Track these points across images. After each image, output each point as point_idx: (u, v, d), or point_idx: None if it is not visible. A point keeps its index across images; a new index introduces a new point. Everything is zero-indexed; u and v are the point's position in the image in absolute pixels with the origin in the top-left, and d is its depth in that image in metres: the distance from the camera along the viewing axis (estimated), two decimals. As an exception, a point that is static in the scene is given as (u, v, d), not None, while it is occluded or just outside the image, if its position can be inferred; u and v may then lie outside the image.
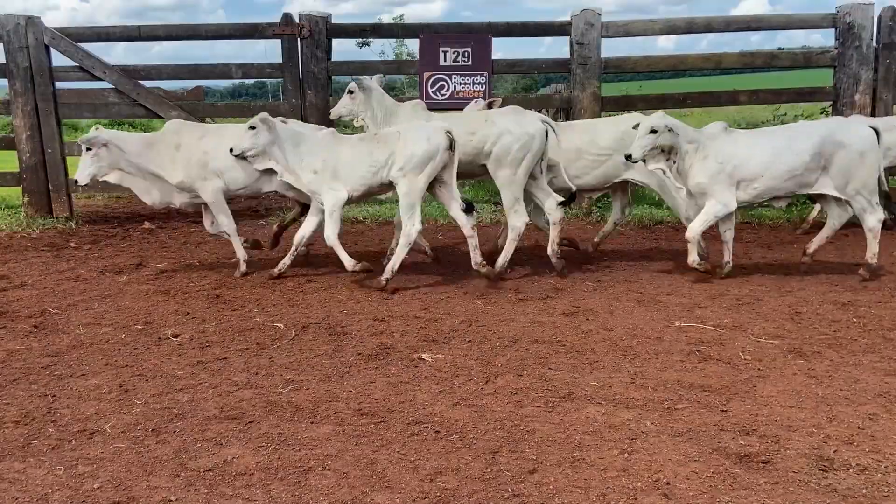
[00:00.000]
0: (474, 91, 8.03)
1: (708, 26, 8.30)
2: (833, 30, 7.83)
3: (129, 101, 8.25)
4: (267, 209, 8.70)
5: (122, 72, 8.22)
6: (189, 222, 8.05)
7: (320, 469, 2.89)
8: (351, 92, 6.00)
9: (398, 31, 9.79)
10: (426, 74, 8.07)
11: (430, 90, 8.07)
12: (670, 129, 5.12)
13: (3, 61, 8.10)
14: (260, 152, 5.42)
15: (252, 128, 5.39)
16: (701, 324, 4.49)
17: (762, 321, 4.53)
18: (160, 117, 8.42)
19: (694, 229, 5.25)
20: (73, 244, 7.15)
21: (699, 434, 3.11)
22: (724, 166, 5.14)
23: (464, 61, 8.02)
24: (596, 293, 5.21)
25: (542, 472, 2.84)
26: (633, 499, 2.66)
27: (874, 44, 7.68)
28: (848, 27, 7.66)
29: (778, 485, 2.72)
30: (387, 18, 14.71)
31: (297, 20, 8.06)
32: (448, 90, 8.05)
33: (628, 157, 5.20)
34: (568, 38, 8.00)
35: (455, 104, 8.26)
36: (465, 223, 5.44)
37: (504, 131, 5.53)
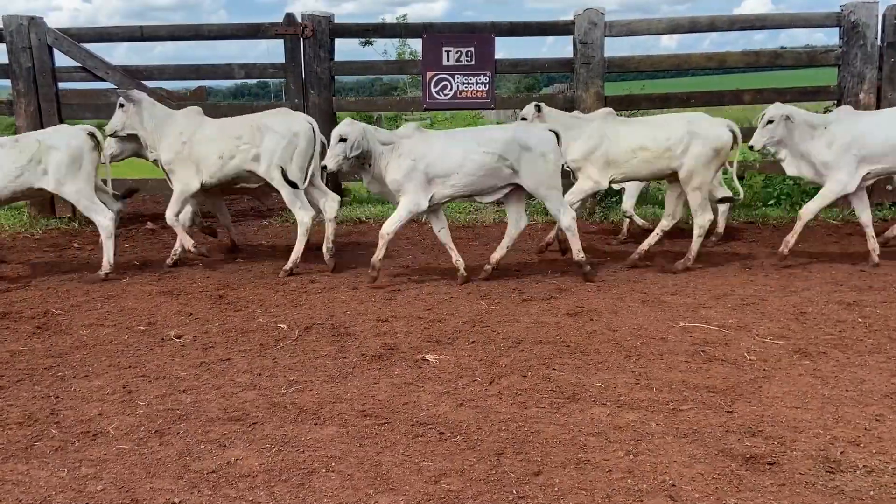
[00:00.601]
0: (478, 91, 8.03)
1: (711, 25, 8.29)
2: (837, 28, 7.81)
3: (131, 102, 8.24)
4: (269, 209, 8.69)
5: (125, 72, 8.22)
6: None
7: (324, 471, 2.88)
8: (121, 105, 5.95)
9: (401, 30, 9.79)
10: (429, 74, 8.06)
11: (433, 90, 8.06)
12: (360, 137, 5.17)
13: (6, 62, 8.11)
14: None
15: None
16: (706, 324, 4.48)
17: (767, 321, 4.51)
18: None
19: (386, 227, 5.35)
20: (75, 245, 7.15)
21: (705, 435, 3.09)
22: (418, 163, 5.24)
23: (467, 61, 8.01)
24: (600, 293, 5.20)
25: (546, 474, 2.82)
26: (638, 500, 2.64)
27: (879, 42, 7.65)
28: (852, 26, 7.64)
29: (784, 486, 2.71)
30: (389, 18, 14.71)
31: (299, 20, 8.05)
32: (451, 90, 8.04)
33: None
34: (571, 37, 7.98)
35: (458, 104, 8.27)
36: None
37: (268, 130, 5.79)
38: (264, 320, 4.72)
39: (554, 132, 5.43)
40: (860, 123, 5.59)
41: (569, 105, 8.24)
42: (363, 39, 11.76)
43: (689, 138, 5.61)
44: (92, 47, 8.26)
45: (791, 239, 5.72)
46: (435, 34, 8.13)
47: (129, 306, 5.10)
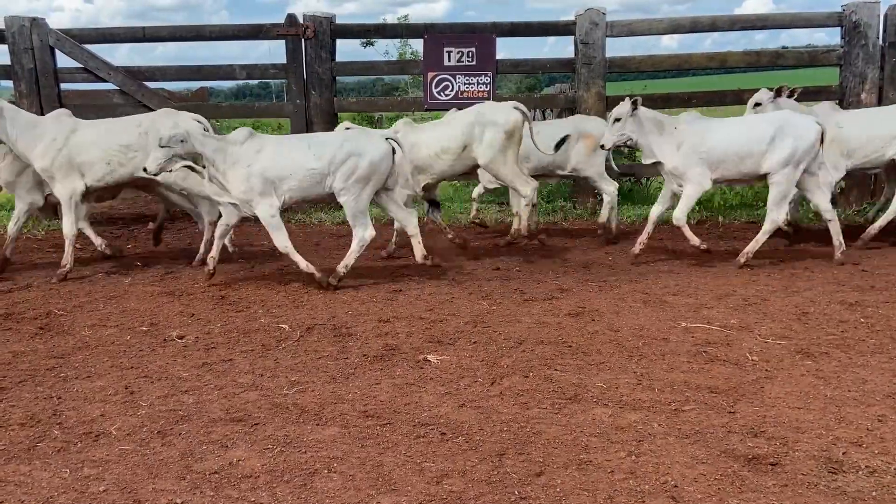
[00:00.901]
0: (479, 91, 8.03)
1: (713, 25, 8.29)
2: (839, 28, 7.81)
3: (133, 103, 8.27)
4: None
5: (127, 73, 8.24)
6: (193, 223, 8.05)
7: (326, 471, 2.88)
8: None
9: (402, 31, 9.79)
10: (430, 75, 8.06)
11: (434, 90, 8.06)
12: (182, 140, 5.15)
13: (9, 63, 8.13)
14: None
15: None
16: (707, 324, 4.47)
17: (769, 322, 4.51)
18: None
19: (279, 244, 5.34)
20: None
21: (707, 436, 3.09)
22: (253, 168, 5.21)
23: (468, 61, 8.01)
24: (601, 294, 5.20)
25: (548, 475, 2.82)
26: (640, 501, 2.64)
27: (880, 42, 7.65)
28: (854, 25, 7.64)
29: (787, 487, 2.71)
30: (391, 18, 14.69)
31: (301, 21, 8.06)
32: (452, 90, 8.05)
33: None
34: (572, 37, 7.99)
35: (459, 104, 8.26)
36: None
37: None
38: (266, 321, 4.72)
39: (395, 141, 5.42)
40: (705, 129, 5.72)
41: (570, 105, 8.26)
42: (364, 40, 11.74)
43: (481, 129, 5.81)
44: (94, 48, 8.28)
45: (695, 242, 5.82)
46: (436, 34, 8.14)
47: (132, 307, 5.10)
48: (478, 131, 5.86)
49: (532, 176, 6.74)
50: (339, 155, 5.24)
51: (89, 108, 8.97)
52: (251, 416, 3.36)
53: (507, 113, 5.92)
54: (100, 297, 5.35)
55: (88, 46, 8.22)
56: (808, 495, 2.65)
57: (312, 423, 3.29)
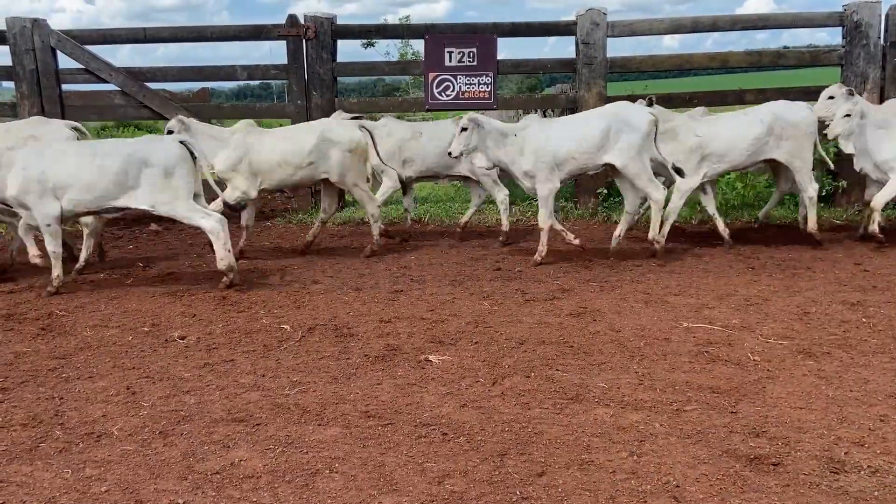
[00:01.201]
0: (480, 91, 8.03)
1: (714, 25, 8.29)
2: (840, 28, 7.81)
3: (135, 103, 8.28)
4: (272, 210, 8.71)
5: (128, 74, 8.25)
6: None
7: (328, 471, 2.88)
8: None
9: (403, 31, 9.80)
10: (431, 75, 8.06)
11: (435, 91, 8.07)
12: None
13: (10, 64, 8.14)
14: None
15: None
16: (709, 324, 4.47)
17: (771, 322, 4.50)
18: (166, 119, 8.44)
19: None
20: (79, 246, 7.15)
21: (708, 436, 3.09)
22: (28, 173, 5.15)
23: (469, 62, 8.02)
24: (603, 294, 5.19)
25: (550, 475, 2.82)
26: (642, 501, 2.64)
27: (882, 42, 7.65)
28: (855, 25, 7.64)
29: (789, 487, 2.70)
30: (392, 19, 14.71)
31: (302, 21, 8.07)
32: (453, 90, 8.05)
33: None
34: (573, 37, 7.99)
35: (460, 105, 8.28)
36: None
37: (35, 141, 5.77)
38: (268, 321, 4.73)
39: (184, 144, 5.35)
40: (545, 131, 5.90)
41: (571, 105, 8.26)
42: (365, 40, 11.76)
43: (326, 146, 6.05)
44: (95, 49, 8.29)
45: (543, 249, 6.01)
46: (437, 35, 8.14)
47: (133, 307, 5.11)
48: (324, 148, 6.08)
49: (421, 177, 7.13)
50: (132, 166, 5.17)
51: (91, 108, 9.02)
52: (253, 417, 3.36)
53: (349, 133, 6.17)
54: (101, 298, 5.35)
55: (90, 47, 8.24)
56: (810, 495, 2.65)
57: (314, 423, 3.29)
